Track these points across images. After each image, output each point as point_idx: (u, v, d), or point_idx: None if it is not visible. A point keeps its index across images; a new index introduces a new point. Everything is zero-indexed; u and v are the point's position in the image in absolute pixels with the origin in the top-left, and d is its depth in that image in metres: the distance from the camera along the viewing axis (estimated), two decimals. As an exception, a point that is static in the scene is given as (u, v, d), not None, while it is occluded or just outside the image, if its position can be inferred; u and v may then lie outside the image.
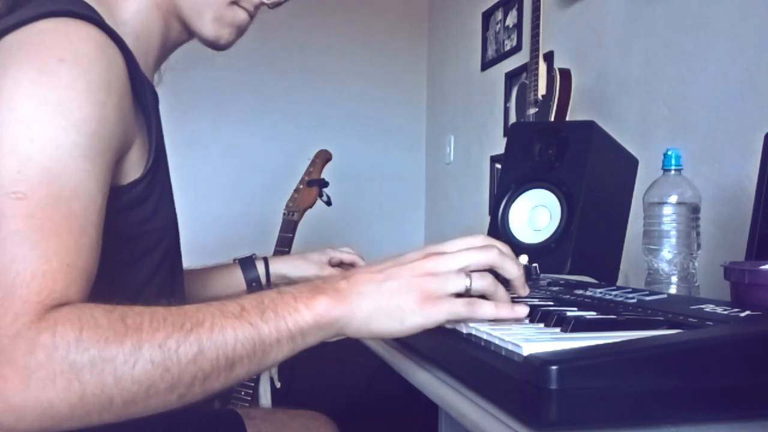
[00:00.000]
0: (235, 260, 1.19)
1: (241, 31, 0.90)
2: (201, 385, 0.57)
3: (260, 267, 1.18)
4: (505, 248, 0.71)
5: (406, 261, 0.66)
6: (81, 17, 0.66)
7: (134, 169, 0.74)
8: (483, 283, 0.66)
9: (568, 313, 0.68)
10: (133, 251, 0.78)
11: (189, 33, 0.89)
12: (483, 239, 0.70)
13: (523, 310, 0.67)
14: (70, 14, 0.65)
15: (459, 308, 0.64)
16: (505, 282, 0.71)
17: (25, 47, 0.63)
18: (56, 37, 0.64)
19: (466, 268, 0.66)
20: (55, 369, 0.52)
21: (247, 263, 1.18)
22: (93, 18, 0.67)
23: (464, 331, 0.67)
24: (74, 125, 0.61)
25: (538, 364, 0.49)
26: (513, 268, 0.70)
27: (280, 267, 1.19)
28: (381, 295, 0.63)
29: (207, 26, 0.87)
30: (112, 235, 0.68)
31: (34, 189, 0.58)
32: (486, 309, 0.65)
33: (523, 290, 0.72)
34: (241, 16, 0.89)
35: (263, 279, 1.18)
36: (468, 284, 0.65)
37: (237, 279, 1.16)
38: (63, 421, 0.53)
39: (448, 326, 0.68)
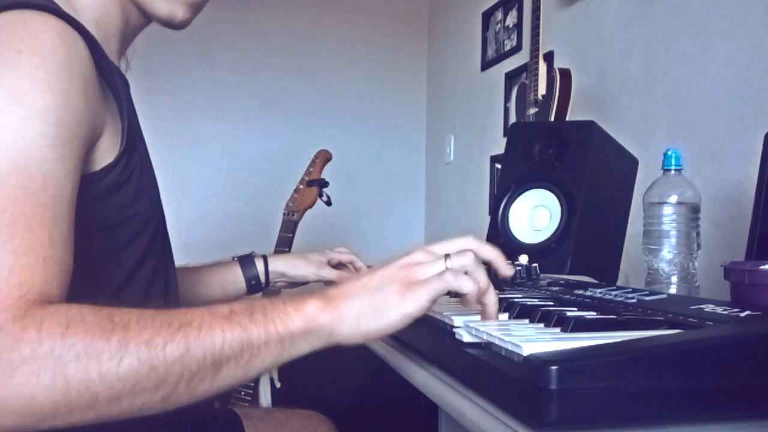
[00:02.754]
0: (234, 258, 1.19)
1: (195, 7, 0.88)
2: (186, 386, 0.57)
3: (259, 265, 1.18)
4: (475, 245, 0.71)
5: (394, 260, 0.68)
6: (37, 7, 0.65)
7: (107, 154, 0.73)
8: (462, 260, 0.67)
9: (568, 313, 0.68)
10: (119, 237, 0.77)
11: (146, 16, 0.87)
12: (468, 238, 0.72)
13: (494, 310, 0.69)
14: (25, 5, 0.65)
15: (437, 284, 0.64)
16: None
17: None
18: (12, 30, 0.63)
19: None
20: (40, 364, 0.52)
21: (246, 261, 1.17)
22: (49, 7, 0.66)
23: (467, 336, 0.67)
24: (38, 115, 0.61)
25: (538, 364, 0.49)
26: (488, 250, 0.71)
27: (279, 265, 1.18)
28: (366, 293, 0.64)
29: (159, 5, 0.85)
30: (95, 222, 0.67)
31: (3, 182, 0.57)
32: (465, 282, 0.65)
33: (507, 269, 0.73)
34: None
35: (262, 277, 1.17)
36: (448, 265, 0.66)
37: (236, 276, 1.16)
38: (46, 418, 0.53)
39: (454, 324, 0.68)
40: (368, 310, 0.63)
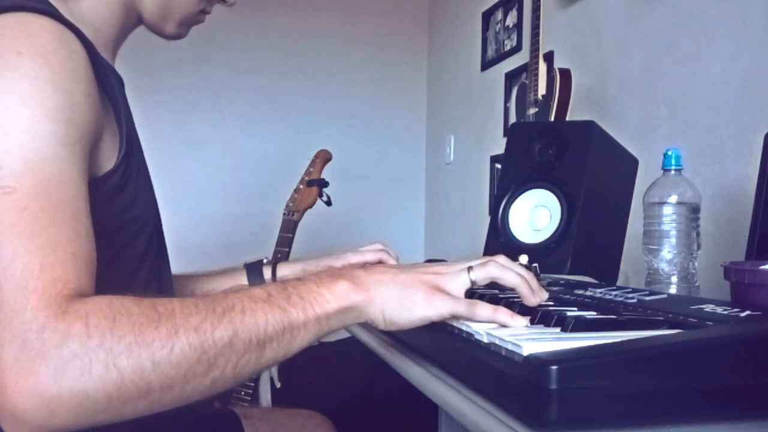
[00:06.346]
0: (245, 264, 1.15)
1: (194, 25, 0.95)
2: (233, 369, 0.58)
3: (267, 274, 1.13)
4: (505, 261, 0.74)
5: (416, 266, 0.72)
6: (33, 10, 0.65)
7: (107, 158, 0.73)
8: (484, 271, 0.70)
9: (568, 313, 0.68)
10: (116, 242, 0.77)
11: (142, 22, 0.91)
12: (483, 258, 0.74)
13: (520, 321, 0.68)
14: (23, 8, 0.65)
15: (459, 306, 0.67)
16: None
17: None
18: (11, 32, 0.63)
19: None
20: (91, 358, 0.52)
21: (253, 269, 1.13)
22: (46, 10, 0.66)
23: (464, 329, 0.67)
24: (47, 114, 0.61)
25: (538, 364, 0.49)
26: (512, 276, 0.72)
27: (288, 273, 1.12)
28: (395, 284, 0.67)
29: (170, 29, 0.90)
30: (94, 227, 0.67)
31: (20, 181, 0.57)
32: (483, 311, 0.67)
33: (533, 298, 0.72)
34: (201, 19, 0.93)
35: None
36: (472, 277, 0.70)
37: (241, 285, 1.12)
38: (98, 413, 0.53)
39: (453, 323, 0.69)
40: (395, 301, 0.66)
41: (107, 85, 0.74)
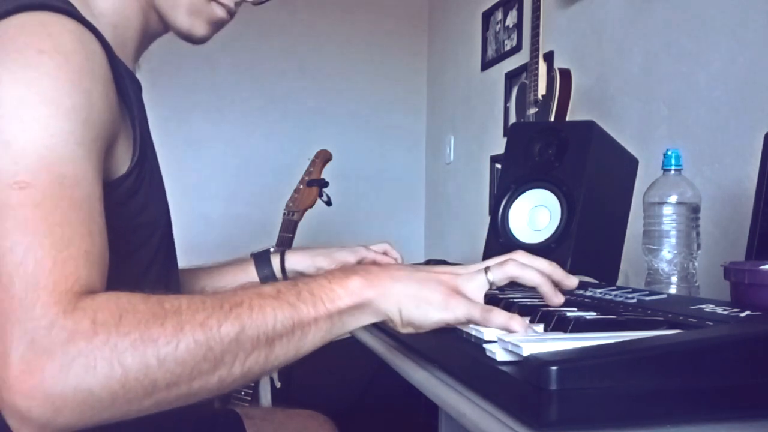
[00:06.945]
0: (252, 254, 1.14)
1: (217, 26, 0.89)
2: (241, 367, 0.57)
3: (275, 262, 1.12)
4: (525, 258, 0.71)
5: (432, 267, 0.70)
6: (54, 9, 0.65)
7: (121, 162, 0.73)
8: (502, 271, 0.68)
9: (568, 314, 0.68)
10: (127, 245, 0.77)
11: (166, 25, 0.88)
12: (502, 257, 0.71)
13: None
14: (44, 7, 0.65)
15: (475, 312, 0.64)
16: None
17: (1, 42, 0.62)
18: (32, 30, 0.63)
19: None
20: (96, 355, 0.51)
21: (261, 258, 1.12)
22: (66, 9, 0.66)
23: (464, 329, 0.67)
24: (65, 113, 0.61)
25: (538, 364, 0.49)
26: (533, 275, 0.69)
27: (297, 263, 1.12)
28: (411, 282, 0.65)
29: (181, 19, 0.85)
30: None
31: (35, 177, 0.57)
32: (498, 318, 0.64)
33: (555, 298, 0.70)
34: (218, 13, 0.87)
35: (279, 275, 1.11)
36: (490, 278, 0.67)
37: (249, 275, 1.12)
38: (103, 410, 0.52)
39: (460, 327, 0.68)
40: (411, 299, 0.64)
41: (123, 88, 0.74)
